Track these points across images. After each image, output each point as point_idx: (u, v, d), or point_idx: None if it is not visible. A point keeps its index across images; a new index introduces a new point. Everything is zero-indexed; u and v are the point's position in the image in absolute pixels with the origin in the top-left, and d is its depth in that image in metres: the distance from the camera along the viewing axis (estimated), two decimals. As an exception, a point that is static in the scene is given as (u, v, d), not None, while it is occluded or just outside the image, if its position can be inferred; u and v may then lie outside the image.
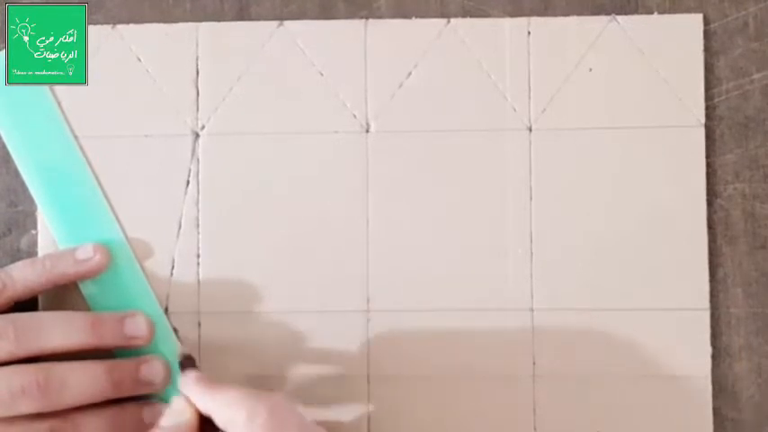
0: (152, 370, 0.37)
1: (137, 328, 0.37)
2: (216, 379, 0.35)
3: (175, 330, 0.39)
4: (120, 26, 0.40)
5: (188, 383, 0.35)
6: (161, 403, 0.37)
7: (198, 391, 0.34)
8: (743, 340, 0.39)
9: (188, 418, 0.34)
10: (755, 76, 0.39)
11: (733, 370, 0.39)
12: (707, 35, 0.39)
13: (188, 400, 0.35)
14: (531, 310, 0.39)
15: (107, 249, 0.38)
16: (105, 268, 0.38)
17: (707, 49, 0.39)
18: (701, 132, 0.39)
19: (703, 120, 0.39)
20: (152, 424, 0.35)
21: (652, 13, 0.39)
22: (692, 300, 0.39)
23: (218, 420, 0.33)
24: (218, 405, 0.34)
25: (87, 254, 0.38)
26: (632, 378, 0.39)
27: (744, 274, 0.39)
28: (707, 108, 0.39)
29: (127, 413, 0.37)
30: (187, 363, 0.37)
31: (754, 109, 0.39)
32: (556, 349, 0.39)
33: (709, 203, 0.39)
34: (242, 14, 0.40)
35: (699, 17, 0.39)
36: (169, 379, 0.37)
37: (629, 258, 0.39)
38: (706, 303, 0.39)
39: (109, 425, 0.36)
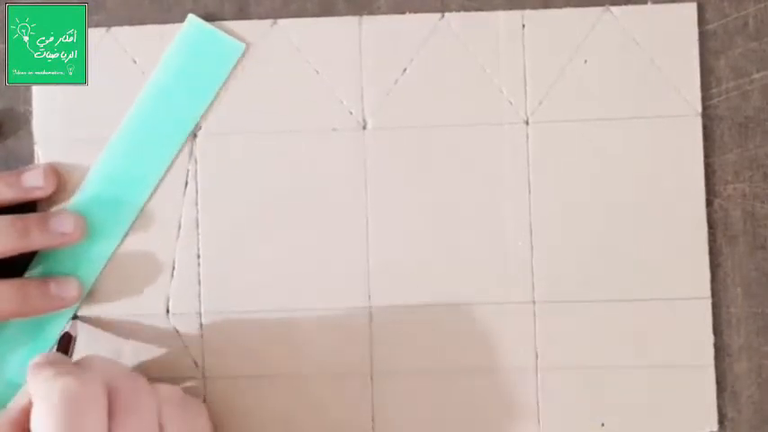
0: (62, 286, 0.38)
1: (63, 223, 0.38)
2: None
3: (75, 316, 0.39)
4: (114, 28, 0.40)
5: (30, 366, 0.34)
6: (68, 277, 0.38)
7: (30, 373, 0.33)
8: (743, 340, 0.39)
9: (23, 403, 0.33)
10: (755, 76, 0.39)
11: (733, 370, 0.39)
12: (707, 35, 0.39)
13: None
14: (533, 302, 0.39)
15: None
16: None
17: (707, 49, 0.39)
18: (698, 121, 0.39)
19: (700, 108, 0.39)
20: (59, 296, 0.37)
21: (646, 2, 0.39)
22: (693, 288, 0.39)
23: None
24: (33, 385, 0.33)
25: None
26: (635, 369, 0.39)
27: (744, 274, 0.39)
28: (707, 108, 0.39)
29: (32, 284, 0.37)
30: (60, 343, 0.37)
31: (753, 109, 0.39)
32: (558, 341, 0.39)
33: (709, 203, 0.39)
34: (242, 14, 0.40)
35: (693, 6, 0.39)
36: (81, 297, 0.38)
37: (630, 248, 0.39)
38: (707, 291, 0.39)
39: (17, 293, 0.37)
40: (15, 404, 0.34)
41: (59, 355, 0.36)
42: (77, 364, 0.34)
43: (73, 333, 0.38)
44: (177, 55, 0.39)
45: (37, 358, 0.34)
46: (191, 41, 0.39)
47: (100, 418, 0.32)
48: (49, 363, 0.34)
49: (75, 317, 0.39)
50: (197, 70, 0.39)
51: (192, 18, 0.39)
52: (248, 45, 0.40)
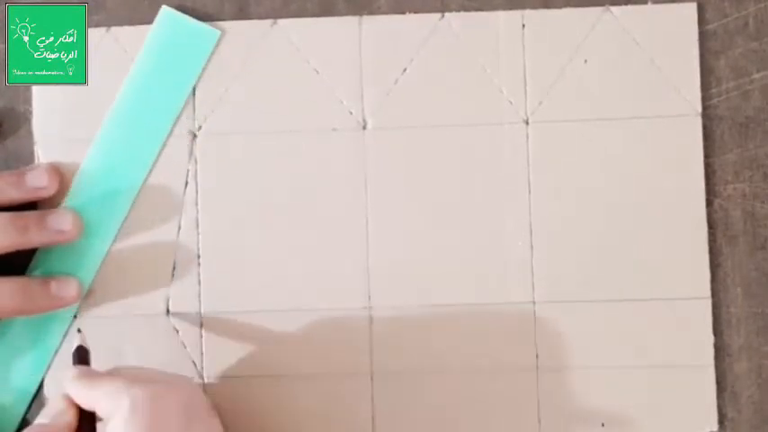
0: (62, 286, 0.38)
1: (60, 221, 0.38)
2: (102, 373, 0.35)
3: (78, 330, 0.38)
4: (114, 28, 0.40)
5: (69, 380, 0.34)
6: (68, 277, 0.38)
7: (79, 386, 0.34)
8: (743, 340, 0.39)
9: (67, 419, 0.34)
10: (755, 76, 0.39)
11: (733, 370, 0.39)
12: (707, 35, 0.39)
13: (69, 398, 0.34)
14: (533, 302, 0.39)
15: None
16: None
17: (707, 49, 0.39)
18: (698, 121, 0.39)
19: (700, 108, 0.39)
20: (59, 296, 0.37)
21: (646, 2, 0.39)
22: (693, 288, 0.39)
23: (102, 412, 0.33)
24: (100, 396, 0.33)
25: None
26: (635, 369, 0.39)
27: (744, 274, 0.39)
28: (707, 108, 0.39)
29: (35, 282, 0.38)
30: (79, 356, 0.36)
31: (754, 109, 0.39)
32: (558, 341, 0.39)
33: (709, 203, 0.39)
34: (242, 14, 0.40)
35: (693, 6, 0.39)
36: (80, 296, 0.39)
37: (630, 248, 0.39)
38: (707, 291, 0.39)
39: (19, 291, 0.37)
40: (54, 420, 0.34)
41: (92, 369, 0.36)
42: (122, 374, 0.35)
43: (85, 346, 0.37)
44: (154, 45, 0.39)
45: (72, 372, 0.34)
46: (166, 32, 0.39)
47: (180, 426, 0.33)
48: (88, 376, 0.34)
49: (78, 328, 0.38)
50: (174, 59, 0.39)
51: (165, 9, 0.39)
52: (248, 45, 0.40)
